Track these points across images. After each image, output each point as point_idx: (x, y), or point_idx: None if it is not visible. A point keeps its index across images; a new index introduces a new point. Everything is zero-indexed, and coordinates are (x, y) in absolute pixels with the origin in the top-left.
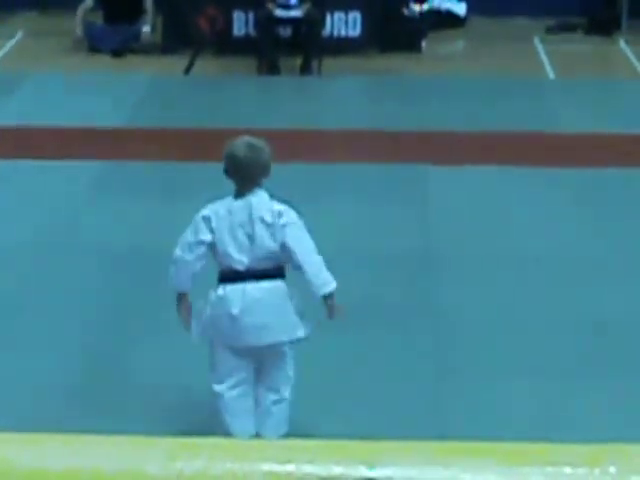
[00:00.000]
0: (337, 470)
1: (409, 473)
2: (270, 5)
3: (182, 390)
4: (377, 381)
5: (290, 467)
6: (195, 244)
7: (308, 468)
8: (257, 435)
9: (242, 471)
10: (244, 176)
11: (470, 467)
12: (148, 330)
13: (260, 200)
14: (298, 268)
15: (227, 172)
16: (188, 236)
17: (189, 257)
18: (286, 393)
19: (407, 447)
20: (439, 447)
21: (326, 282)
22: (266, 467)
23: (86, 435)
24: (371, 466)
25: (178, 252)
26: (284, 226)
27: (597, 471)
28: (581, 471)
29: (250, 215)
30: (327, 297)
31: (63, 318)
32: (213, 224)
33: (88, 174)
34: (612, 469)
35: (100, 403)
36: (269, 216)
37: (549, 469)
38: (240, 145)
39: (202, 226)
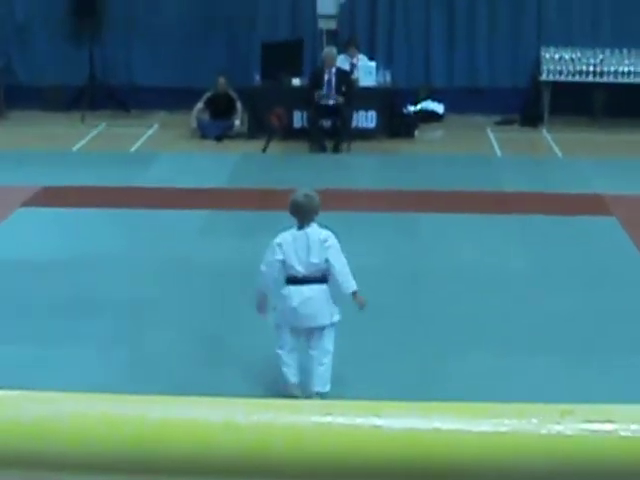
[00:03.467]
0: (358, 420)
1: (403, 422)
2: (317, 96)
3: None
4: (382, 357)
5: (329, 418)
6: (272, 262)
7: (340, 419)
8: (309, 392)
9: (295, 421)
10: (302, 215)
11: (442, 418)
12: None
13: (313, 230)
14: (334, 275)
15: (291, 212)
16: (268, 256)
17: (270, 270)
18: (326, 360)
19: (401, 405)
20: (424, 406)
21: (351, 284)
22: (314, 419)
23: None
24: (379, 417)
25: (263, 268)
26: (327, 248)
27: (524, 421)
28: (513, 421)
29: (307, 241)
30: (353, 294)
31: (184, 315)
32: (283, 248)
33: (198, 220)
34: (534, 420)
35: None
36: (318, 241)
37: (494, 421)
38: (299, 194)
39: (277, 250)
